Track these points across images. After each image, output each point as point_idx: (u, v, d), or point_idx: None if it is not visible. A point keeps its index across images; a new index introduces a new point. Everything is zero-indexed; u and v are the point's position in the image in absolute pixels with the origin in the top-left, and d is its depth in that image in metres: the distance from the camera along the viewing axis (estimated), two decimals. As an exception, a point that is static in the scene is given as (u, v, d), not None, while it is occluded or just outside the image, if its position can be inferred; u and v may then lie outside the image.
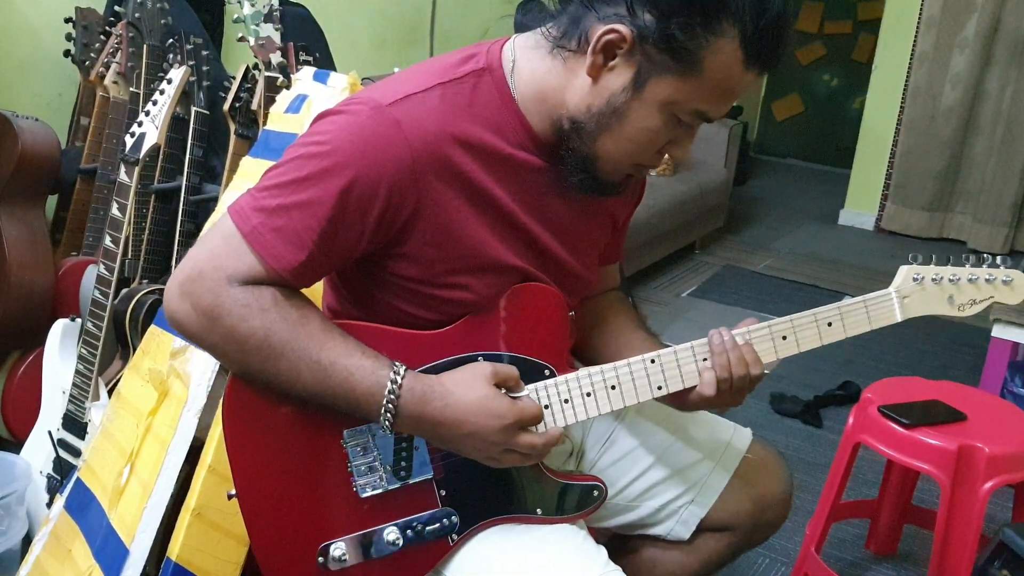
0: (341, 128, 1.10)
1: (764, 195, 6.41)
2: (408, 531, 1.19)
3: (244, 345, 1.08)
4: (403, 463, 1.19)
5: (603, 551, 1.22)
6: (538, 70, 1.16)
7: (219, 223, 1.12)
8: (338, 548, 1.17)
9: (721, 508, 1.43)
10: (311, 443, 1.17)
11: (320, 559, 1.17)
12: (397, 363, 1.11)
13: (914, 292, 1.29)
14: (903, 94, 5.40)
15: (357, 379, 1.09)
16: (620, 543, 1.51)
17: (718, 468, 1.43)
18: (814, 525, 2.11)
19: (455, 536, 1.21)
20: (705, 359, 1.23)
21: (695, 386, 1.24)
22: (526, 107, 1.17)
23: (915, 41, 5.30)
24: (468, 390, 1.13)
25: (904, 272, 1.30)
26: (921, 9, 5.24)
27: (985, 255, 1.32)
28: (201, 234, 1.13)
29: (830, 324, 1.27)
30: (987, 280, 1.30)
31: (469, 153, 1.14)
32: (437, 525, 1.20)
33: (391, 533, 1.18)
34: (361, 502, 1.18)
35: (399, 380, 1.10)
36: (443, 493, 1.20)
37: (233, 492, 1.18)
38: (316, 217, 1.08)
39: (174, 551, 1.58)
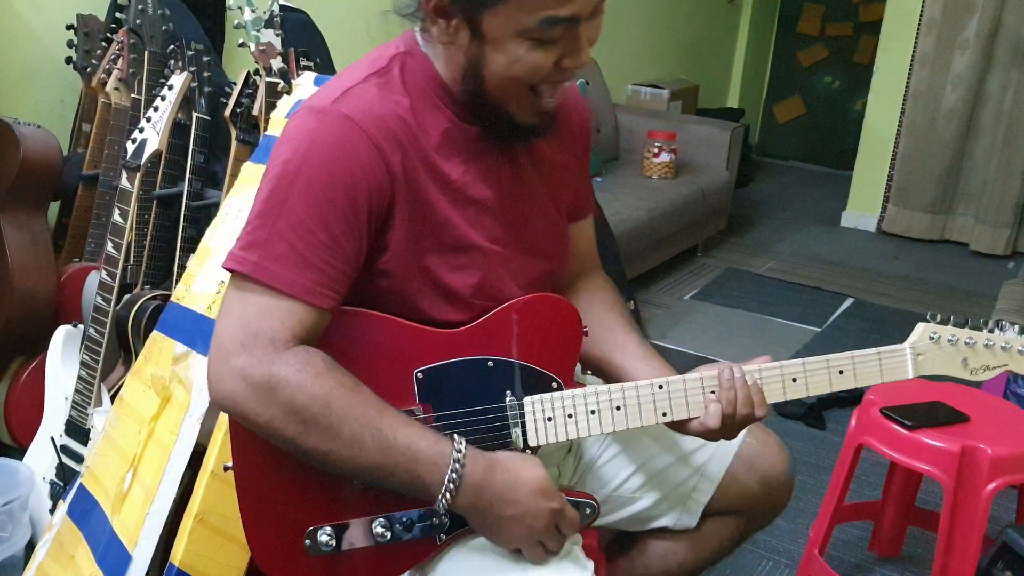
0: (297, 143, 1.12)
1: (766, 197, 6.41)
2: (397, 525, 1.19)
3: (305, 414, 1.06)
4: None
5: (591, 564, 1.22)
6: (434, 49, 1.20)
7: (226, 292, 1.12)
8: (325, 533, 1.17)
9: (725, 492, 1.43)
10: None
11: (307, 541, 1.17)
12: (456, 436, 1.13)
13: (929, 350, 1.29)
14: (904, 96, 5.40)
15: (421, 447, 1.09)
16: (627, 542, 1.51)
17: (717, 454, 1.43)
18: (817, 527, 2.11)
19: (443, 536, 1.21)
20: (713, 391, 1.24)
21: (697, 416, 1.25)
22: (447, 79, 1.20)
23: (916, 43, 5.30)
24: (530, 468, 1.15)
25: (921, 329, 1.30)
26: (922, 11, 5.24)
27: (1003, 323, 1.32)
28: (218, 312, 1.12)
29: (841, 372, 1.28)
30: (1003, 348, 1.30)
31: (415, 136, 1.16)
32: (427, 523, 1.20)
33: (380, 525, 1.18)
34: (354, 490, 1.18)
35: (463, 450, 1.10)
36: None
37: (230, 464, 1.18)
38: (308, 230, 1.08)
39: (177, 556, 1.58)
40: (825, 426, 3.12)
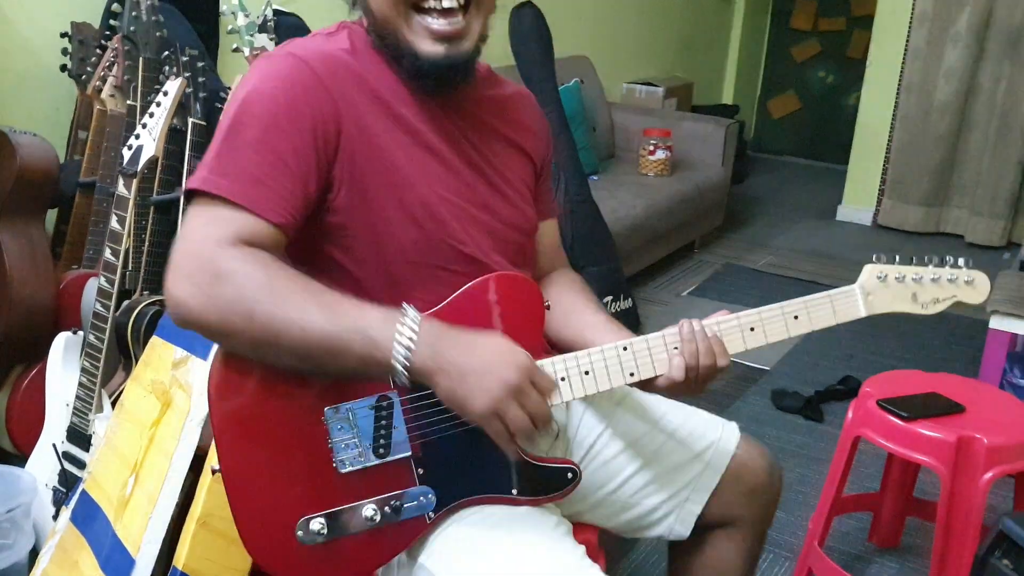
0: (245, 83, 1.21)
1: (762, 193, 6.42)
2: (386, 507, 1.20)
3: (249, 300, 1.07)
4: (382, 440, 1.20)
5: (581, 548, 1.23)
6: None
7: (184, 216, 1.18)
8: (317, 522, 1.18)
9: (716, 504, 1.46)
10: (293, 419, 1.19)
11: (299, 532, 1.18)
12: (405, 304, 1.13)
13: (878, 289, 1.33)
14: (897, 89, 5.41)
15: (371, 312, 1.10)
16: (691, 545, 1.52)
17: (710, 467, 1.46)
18: (816, 520, 2.12)
19: (432, 514, 1.23)
20: (676, 347, 1.27)
21: (663, 374, 1.28)
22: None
23: (908, 36, 5.31)
24: (490, 333, 1.18)
25: (868, 270, 1.33)
26: (914, 5, 5.25)
27: (947, 258, 1.35)
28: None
29: (796, 317, 1.31)
30: (949, 280, 1.33)
31: (364, 82, 1.25)
32: (414, 503, 1.22)
33: (369, 509, 1.20)
34: (340, 478, 1.19)
35: (413, 312, 1.12)
36: (421, 471, 1.22)
37: (217, 467, 1.19)
38: (257, 151, 1.15)
39: (180, 560, 1.59)
40: (823, 418, 3.13)
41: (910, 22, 5.29)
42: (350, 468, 1.19)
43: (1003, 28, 5.07)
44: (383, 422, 1.20)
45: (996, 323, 2.62)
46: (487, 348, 1.13)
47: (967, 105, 5.27)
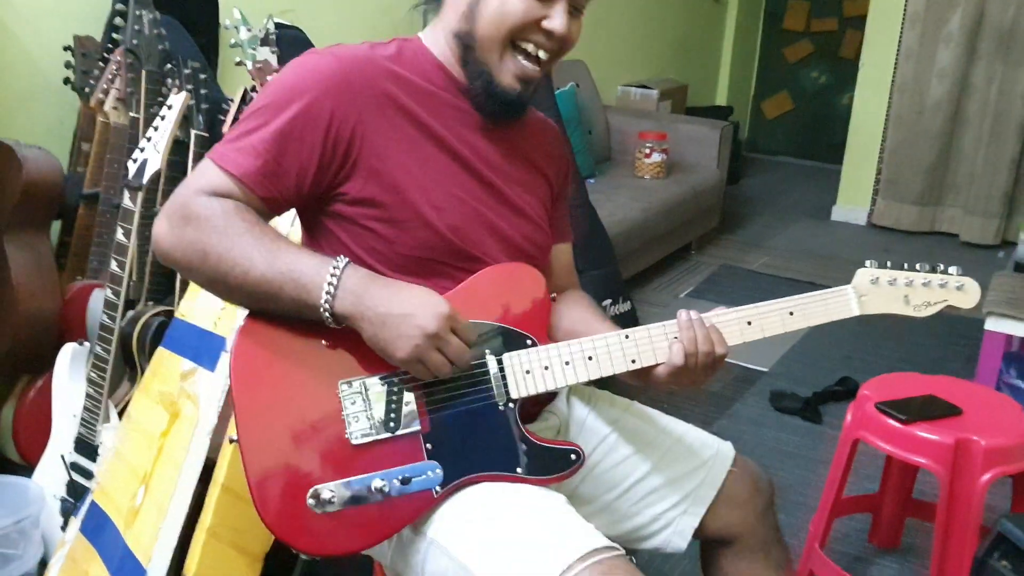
0: (284, 72, 1.30)
1: (757, 193, 6.45)
2: (395, 480, 1.24)
3: (206, 241, 1.19)
4: (392, 414, 1.25)
5: (589, 525, 1.24)
6: (437, 32, 1.38)
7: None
8: (328, 491, 1.21)
9: (712, 519, 1.49)
10: (310, 390, 1.24)
11: (311, 500, 1.21)
12: (341, 255, 1.23)
13: (871, 291, 1.37)
14: (891, 89, 5.45)
15: (306, 261, 1.20)
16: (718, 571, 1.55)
17: (707, 482, 1.49)
18: (817, 522, 2.15)
19: (439, 488, 1.26)
20: (676, 336, 1.32)
21: (663, 362, 1.32)
22: (444, 59, 1.37)
23: (900, 37, 5.35)
24: (414, 285, 1.25)
25: (861, 274, 1.38)
26: (906, 5, 5.29)
27: (939, 265, 1.38)
28: None
29: (792, 313, 1.36)
30: (940, 285, 1.37)
31: (400, 86, 1.32)
32: (422, 477, 1.25)
33: (378, 481, 1.23)
34: (353, 449, 1.23)
35: (344, 260, 1.21)
36: (429, 447, 1.26)
37: (235, 437, 1.23)
38: (268, 131, 1.24)
39: (190, 570, 1.62)
40: (821, 420, 3.16)
41: (902, 22, 5.33)
42: (362, 440, 1.23)
43: (995, 28, 5.11)
44: (395, 397, 1.26)
45: (992, 324, 2.65)
46: (409, 297, 1.21)
47: (960, 105, 5.31)
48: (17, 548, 1.99)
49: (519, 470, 1.29)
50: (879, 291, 1.37)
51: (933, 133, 5.35)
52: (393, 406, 1.25)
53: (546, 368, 1.30)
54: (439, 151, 1.33)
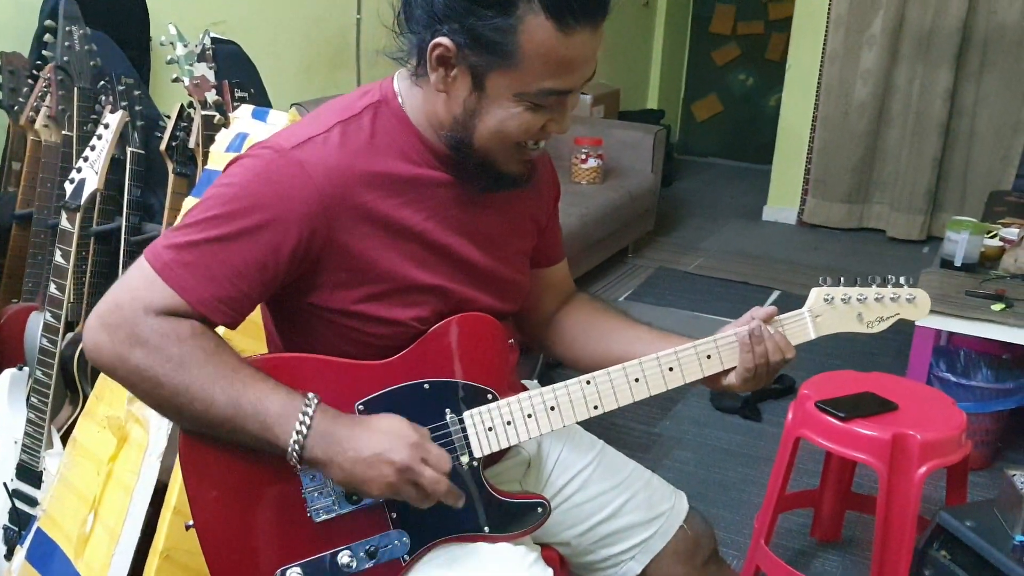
0: (247, 171, 1.17)
1: (690, 196, 6.55)
2: (362, 553, 1.23)
3: (159, 371, 1.10)
4: None
5: (550, 571, 1.28)
6: (416, 97, 1.24)
7: (136, 263, 1.16)
8: (295, 572, 1.20)
9: (654, 568, 1.51)
10: (266, 472, 1.20)
11: None
12: (310, 394, 1.15)
13: (825, 312, 1.37)
14: (817, 91, 5.58)
15: (272, 400, 1.13)
16: None
17: (659, 533, 1.51)
18: (762, 518, 2.19)
19: (407, 557, 1.25)
20: (637, 379, 1.30)
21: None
22: (423, 129, 1.25)
23: (825, 39, 5.48)
24: (385, 416, 1.19)
25: (815, 294, 1.37)
26: (829, 8, 5.43)
27: (889, 277, 1.40)
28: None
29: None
30: (892, 299, 1.38)
31: (374, 187, 1.21)
32: (389, 547, 1.24)
33: (345, 556, 1.22)
34: (316, 527, 1.21)
35: (315, 401, 1.14)
36: (394, 515, 1.24)
37: (191, 523, 1.21)
38: (226, 252, 1.13)
39: (145, 594, 1.60)
40: (761, 417, 3.22)
41: (827, 25, 5.46)
42: (325, 516, 1.21)
43: (915, 31, 5.27)
44: None
45: (922, 320, 2.72)
46: (376, 433, 1.15)
47: (884, 105, 5.47)
48: (-42, 580, 1.95)
49: (486, 529, 1.29)
50: (834, 310, 1.37)
51: (859, 133, 5.50)
52: None
53: (508, 423, 1.27)
54: (420, 248, 1.25)
